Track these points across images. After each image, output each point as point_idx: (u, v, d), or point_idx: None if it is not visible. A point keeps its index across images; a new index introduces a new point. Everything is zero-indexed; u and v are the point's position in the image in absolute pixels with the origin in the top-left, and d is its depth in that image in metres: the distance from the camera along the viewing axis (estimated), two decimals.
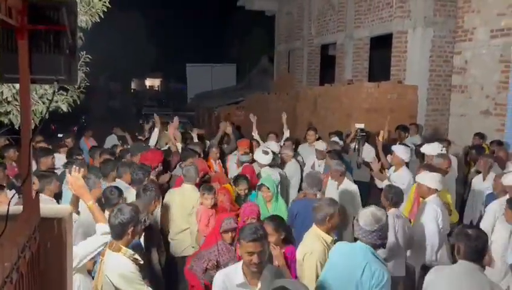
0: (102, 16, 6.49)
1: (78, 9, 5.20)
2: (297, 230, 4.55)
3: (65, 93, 6.53)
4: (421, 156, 6.86)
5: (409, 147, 6.76)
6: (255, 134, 8.36)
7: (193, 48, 45.60)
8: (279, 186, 6.19)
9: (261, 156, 6.39)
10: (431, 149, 6.41)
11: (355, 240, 3.21)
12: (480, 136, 8.05)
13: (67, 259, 2.00)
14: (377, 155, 7.04)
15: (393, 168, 6.42)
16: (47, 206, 2.00)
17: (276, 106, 12.96)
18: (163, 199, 5.29)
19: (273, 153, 6.64)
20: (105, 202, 4.36)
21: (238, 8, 19.94)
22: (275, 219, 3.95)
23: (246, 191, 5.50)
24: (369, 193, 7.07)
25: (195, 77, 32.52)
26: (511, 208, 4.35)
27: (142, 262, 3.33)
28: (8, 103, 6.01)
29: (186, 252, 5.08)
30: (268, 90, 16.90)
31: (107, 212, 3.84)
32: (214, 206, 4.98)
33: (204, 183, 5.52)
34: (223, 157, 7.79)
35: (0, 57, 1.83)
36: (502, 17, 8.18)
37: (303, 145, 8.59)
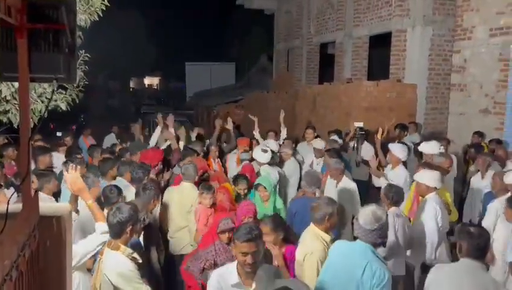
0: (101, 15, 6.49)
1: (77, 8, 5.19)
2: (297, 228, 4.55)
3: (64, 92, 6.53)
4: (420, 154, 6.87)
5: (406, 145, 6.76)
6: (257, 133, 8.35)
7: (192, 46, 45.61)
8: (278, 185, 6.21)
9: (260, 155, 6.39)
10: (429, 148, 6.41)
11: (355, 238, 3.21)
12: (479, 134, 8.06)
13: (66, 257, 2.00)
14: (376, 153, 7.05)
15: (390, 166, 6.43)
16: (46, 204, 2.01)
17: (275, 104, 12.94)
18: (162, 197, 5.29)
19: (272, 151, 6.65)
20: (104, 200, 4.36)
21: (237, 6, 19.91)
22: (273, 219, 3.94)
23: (246, 190, 5.50)
24: (368, 192, 7.09)
25: (194, 76, 32.52)
26: (511, 207, 4.36)
27: (140, 261, 3.33)
28: (7, 101, 6.01)
29: (185, 250, 5.08)
30: (268, 89, 16.88)
31: (106, 211, 3.84)
32: (213, 205, 4.98)
33: (203, 182, 5.52)
34: (222, 156, 7.80)
35: (0, 56, 1.83)
36: (501, 15, 8.18)
37: (302, 143, 8.60)
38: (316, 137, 8.10)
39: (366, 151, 7.50)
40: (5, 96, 5.86)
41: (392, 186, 4.81)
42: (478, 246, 3.04)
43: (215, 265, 3.89)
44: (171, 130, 7.66)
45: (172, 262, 5.13)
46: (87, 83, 6.90)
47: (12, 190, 4.80)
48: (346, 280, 3.05)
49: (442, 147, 6.43)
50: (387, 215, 3.20)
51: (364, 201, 5.89)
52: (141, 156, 6.22)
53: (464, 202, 6.77)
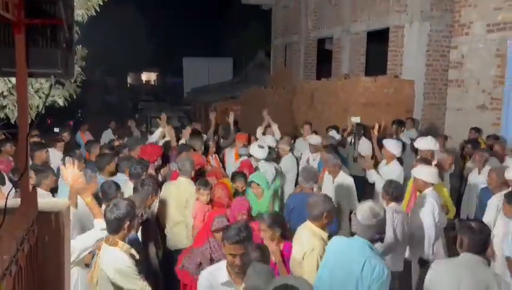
0: (98, 10, 6.48)
1: (75, 3, 5.18)
2: (294, 224, 4.56)
3: (61, 88, 6.52)
4: (416, 150, 6.88)
5: (401, 141, 6.76)
6: (275, 127, 8.16)
7: (189, 42, 45.39)
8: (275, 181, 6.21)
9: (257, 150, 6.39)
10: (424, 143, 6.40)
11: (353, 234, 3.22)
12: (476, 130, 8.08)
13: (65, 252, 2.01)
14: (373, 149, 7.06)
15: (384, 161, 6.44)
16: (44, 200, 2.01)
17: (272, 100, 12.94)
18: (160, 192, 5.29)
19: (270, 147, 6.65)
20: (102, 196, 4.36)
21: (234, 1, 19.85)
22: (270, 216, 3.91)
23: (244, 187, 5.50)
24: (365, 187, 7.10)
25: (192, 71, 32.50)
26: (509, 203, 4.39)
27: (138, 257, 3.34)
28: (4, 97, 6.00)
29: (182, 245, 5.08)
30: (265, 85, 16.84)
31: (104, 207, 3.84)
32: (210, 201, 4.98)
33: (200, 177, 5.51)
34: (219, 151, 7.79)
35: None
36: (499, 11, 8.19)
37: (299, 139, 8.60)
38: (313, 133, 8.09)
39: (363, 146, 7.50)
40: (2, 91, 5.85)
41: (391, 182, 4.80)
42: (480, 241, 3.07)
43: (212, 261, 3.90)
44: (188, 130, 7.69)
45: (170, 257, 5.12)
46: (84, 78, 6.89)
47: (8, 186, 4.79)
48: (344, 275, 3.06)
49: (436, 143, 6.39)
50: (384, 211, 3.21)
51: (361, 196, 5.90)
52: (140, 152, 6.21)
53: (461, 198, 6.79)
